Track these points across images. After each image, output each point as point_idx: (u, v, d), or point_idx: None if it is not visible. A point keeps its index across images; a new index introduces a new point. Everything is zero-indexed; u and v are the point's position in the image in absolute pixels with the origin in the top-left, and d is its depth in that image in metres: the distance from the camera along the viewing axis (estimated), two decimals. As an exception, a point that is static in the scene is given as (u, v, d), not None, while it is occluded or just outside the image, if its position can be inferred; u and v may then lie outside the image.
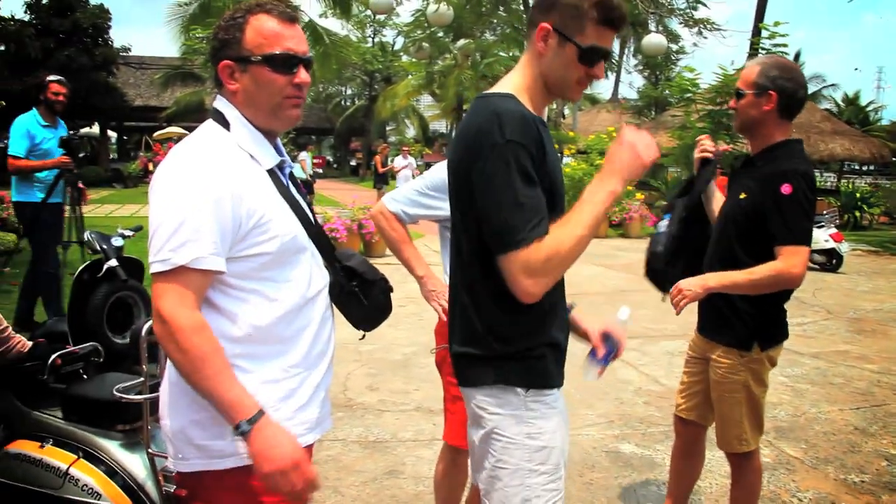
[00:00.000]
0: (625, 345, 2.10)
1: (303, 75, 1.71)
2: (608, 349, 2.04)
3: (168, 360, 1.65)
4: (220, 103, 1.73)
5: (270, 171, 1.71)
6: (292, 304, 1.70)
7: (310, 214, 1.81)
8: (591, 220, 1.66)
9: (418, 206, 2.74)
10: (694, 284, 2.62)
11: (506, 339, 1.79)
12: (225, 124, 1.70)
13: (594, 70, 1.80)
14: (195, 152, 1.63)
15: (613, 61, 32.52)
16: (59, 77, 6.01)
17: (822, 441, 4.44)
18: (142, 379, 2.23)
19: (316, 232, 1.82)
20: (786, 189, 2.54)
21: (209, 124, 1.72)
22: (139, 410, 2.28)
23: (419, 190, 2.74)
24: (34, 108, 5.84)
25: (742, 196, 2.68)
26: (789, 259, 2.54)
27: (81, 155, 36.82)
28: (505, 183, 1.64)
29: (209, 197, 1.55)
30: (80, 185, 6.12)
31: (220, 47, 1.69)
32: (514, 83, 1.85)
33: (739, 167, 2.85)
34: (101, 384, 2.49)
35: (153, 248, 1.55)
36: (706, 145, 2.97)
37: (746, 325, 2.72)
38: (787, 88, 2.62)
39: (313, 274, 1.78)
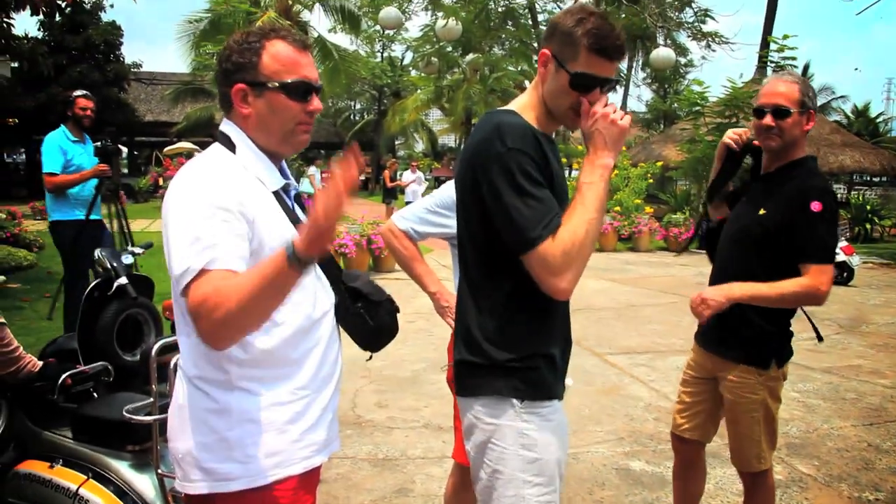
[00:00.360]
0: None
1: (316, 103, 1.73)
2: None
3: (176, 382, 1.66)
4: (227, 126, 1.74)
5: (276, 194, 1.72)
6: (298, 326, 1.70)
7: None
8: (596, 202, 1.73)
9: (428, 223, 2.75)
10: (719, 294, 2.56)
11: (500, 348, 1.83)
12: (231, 147, 1.71)
13: (590, 97, 1.82)
14: (205, 171, 1.64)
15: (622, 75, 32.58)
16: (84, 92, 6.01)
17: (835, 458, 4.40)
18: (151, 399, 2.23)
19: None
20: (816, 206, 2.53)
21: (215, 147, 1.73)
22: (149, 431, 2.29)
23: (428, 208, 2.76)
24: (62, 125, 5.84)
25: (761, 212, 2.65)
26: (818, 277, 2.54)
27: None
28: (511, 187, 1.71)
29: (219, 209, 1.55)
30: (121, 192, 6.17)
31: (235, 70, 1.68)
32: (520, 102, 1.93)
33: (749, 181, 2.83)
34: (110, 404, 2.50)
35: (175, 267, 1.51)
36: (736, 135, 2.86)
37: (765, 343, 2.70)
38: (816, 108, 2.69)
39: (318, 295, 1.78)
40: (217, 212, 1.54)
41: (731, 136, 2.83)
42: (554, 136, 1.97)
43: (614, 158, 1.79)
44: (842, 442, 4.67)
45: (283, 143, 1.74)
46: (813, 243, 2.55)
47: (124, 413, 2.23)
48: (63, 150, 5.70)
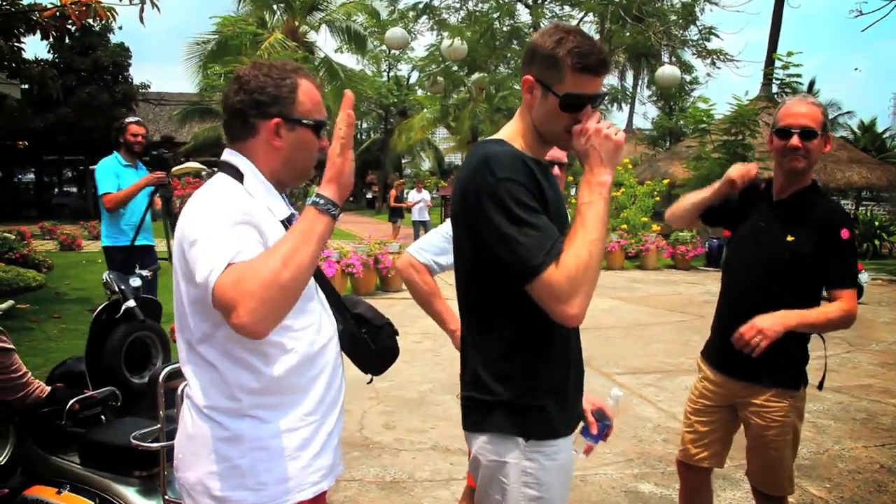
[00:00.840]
0: (614, 425, 2.14)
1: (325, 140, 1.78)
2: (601, 426, 2.07)
3: (183, 412, 1.67)
4: (232, 157, 1.77)
5: (282, 223, 1.74)
6: (305, 353, 1.72)
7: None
8: (597, 222, 1.68)
9: (448, 253, 2.64)
10: (774, 324, 2.53)
11: (504, 385, 1.82)
12: (237, 176, 1.73)
13: (581, 116, 1.79)
14: (221, 194, 1.67)
15: (627, 93, 32.71)
16: (137, 118, 6.15)
17: (847, 480, 4.36)
18: (159, 426, 2.24)
19: (322, 280, 1.88)
20: (845, 234, 2.62)
21: (222, 177, 1.75)
22: (156, 457, 2.28)
23: (446, 237, 2.67)
24: (115, 152, 5.92)
25: (790, 238, 2.67)
26: (851, 301, 2.62)
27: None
28: (507, 218, 1.66)
29: (239, 223, 1.58)
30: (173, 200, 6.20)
31: (272, 103, 1.72)
32: (509, 130, 1.90)
33: (764, 206, 2.80)
34: (118, 430, 2.50)
35: (202, 266, 1.51)
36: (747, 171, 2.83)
37: (796, 365, 2.72)
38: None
39: (322, 321, 1.80)
40: (237, 226, 1.57)
41: (739, 171, 2.81)
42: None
43: (612, 175, 1.74)
44: (853, 463, 4.63)
45: (299, 176, 1.82)
46: (846, 270, 2.64)
47: (131, 440, 2.23)
48: (116, 174, 5.77)
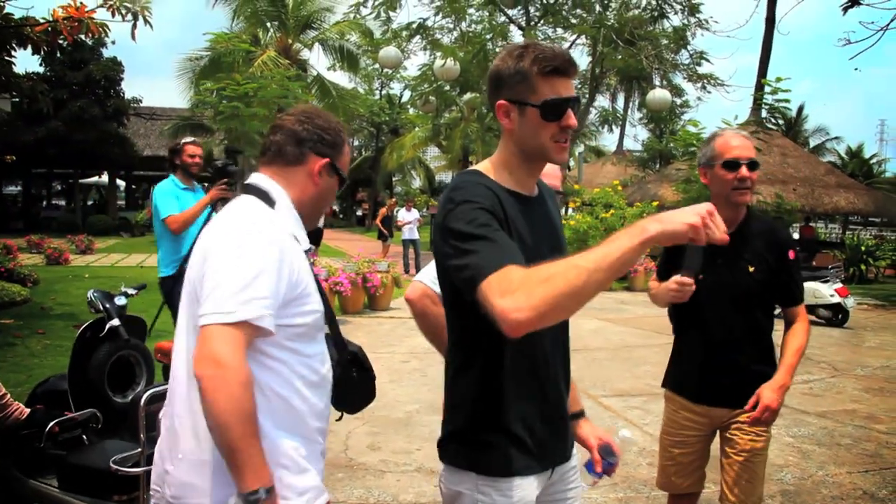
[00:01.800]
0: (619, 462, 2.12)
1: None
2: (606, 463, 2.08)
3: (187, 440, 1.68)
4: (264, 181, 1.84)
5: (304, 252, 1.82)
6: (312, 380, 1.79)
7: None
8: (598, 257, 1.43)
9: None
10: (779, 396, 2.66)
11: (458, 418, 1.85)
12: (268, 202, 1.79)
13: (564, 121, 1.76)
14: (257, 216, 1.74)
15: (618, 115, 32.91)
16: (193, 139, 5.82)
17: (832, 506, 4.36)
18: (139, 450, 2.22)
19: (331, 315, 1.96)
20: (792, 255, 2.77)
21: (252, 200, 1.80)
22: (136, 481, 2.27)
23: None
24: (171, 175, 5.59)
25: (751, 269, 2.73)
26: (804, 314, 2.85)
27: (90, 202, 36.83)
28: (466, 236, 1.60)
29: (274, 258, 1.66)
30: None
31: (330, 144, 1.89)
32: (486, 162, 1.88)
33: (736, 237, 2.77)
34: (98, 453, 2.48)
35: (217, 298, 1.58)
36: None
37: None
38: None
39: (326, 353, 1.88)
40: (276, 270, 1.66)
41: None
42: None
43: (658, 228, 1.44)
44: (837, 489, 4.63)
45: (314, 218, 1.96)
46: (798, 287, 2.85)
47: (111, 464, 2.21)
48: (176, 197, 5.44)
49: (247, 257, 1.62)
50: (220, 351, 1.53)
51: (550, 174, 2.51)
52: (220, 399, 1.51)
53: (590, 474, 2.10)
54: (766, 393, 2.64)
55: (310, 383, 1.77)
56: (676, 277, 2.53)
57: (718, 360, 2.79)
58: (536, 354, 1.83)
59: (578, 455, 2.09)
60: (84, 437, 2.74)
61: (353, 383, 2.02)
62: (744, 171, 2.67)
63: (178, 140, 5.85)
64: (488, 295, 1.46)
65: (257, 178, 1.84)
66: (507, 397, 1.80)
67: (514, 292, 1.42)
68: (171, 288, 5.29)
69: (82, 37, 7.39)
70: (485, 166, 1.86)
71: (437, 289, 2.47)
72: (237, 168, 5.61)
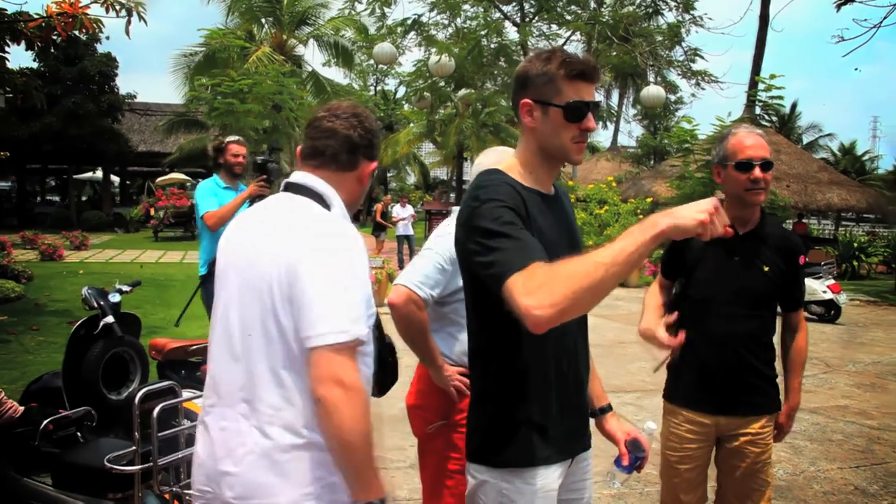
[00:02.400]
0: (648, 456, 2.15)
1: None
2: (633, 457, 2.09)
3: (255, 438, 1.70)
4: (317, 183, 1.84)
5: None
6: (367, 377, 1.82)
7: None
8: (615, 252, 1.49)
9: (442, 284, 2.56)
10: (792, 416, 2.83)
11: (480, 410, 1.93)
12: (325, 206, 1.81)
13: (584, 124, 1.86)
14: (335, 225, 1.76)
15: (613, 111, 32.95)
16: (237, 138, 5.72)
17: (822, 502, 4.40)
18: (134, 448, 2.23)
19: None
20: (802, 260, 2.79)
21: (309, 203, 1.80)
22: (131, 479, 2.27)
23: (440, 266, 2.56)
24: (214, 174, 5.54)
25: (766, 269, 2.71)
26: (804, 321, 2.92)
27: (84, 198, 36.72)
28: (492, 233, 1.67)
29: (363, 270, 1.72)
30: None
31: (376, 150, 1.93)
32: (509, 161, 1.95)
33: (732, 240, 2.76)
34: (93, 451, 2.49)
35: (330, 319, 1.61)
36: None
37: (777, 388, 2.82)
38: None
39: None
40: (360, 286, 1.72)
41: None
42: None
43: (669, 222, 1.51)
44: (828, 485, 4.67)
45: (351, 213, 1.94)
46: (801, 292, 2.87)
47: (106, 462, 2.22)
48: (215, 195, 5.36)
49: (345, 273, 1.67)
50: (342, 372, 1.58)
51: None
52: (346, 420, 1.56)
53: (619, 470, 2.11)
54: (787, 421, 2.83)
55: (366, 382, 1.80)
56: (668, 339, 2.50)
57: (728, 365, 2.70)
58: (557, 346, 1.90)
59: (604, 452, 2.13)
60: (78, 434, 2.74)
61: (392, 369, 2.17)
62: (757, 172, 2.61)
63: (221, 139, 5.76)
64: (514, 292, 1.54)
65: (309, 180, 1.83)
66: (529, 390, 1.88)
67: (538, 290, 1.49)
68: (206, 286, 5.25)
69: (76, 32, 7.37)
70: (506, 165, 1.93)
71: (422, 293, 2.51)
72: (277, 165, 5.54)
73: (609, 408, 2.21)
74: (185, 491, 2.19)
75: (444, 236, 2.54)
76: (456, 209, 2.30)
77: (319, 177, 1.83)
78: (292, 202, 1.80)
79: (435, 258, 2.58)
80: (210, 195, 5.37)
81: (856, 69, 25.15)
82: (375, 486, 1.62)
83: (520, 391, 1.87)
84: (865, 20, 15.44)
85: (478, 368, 1.96)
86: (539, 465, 1.89)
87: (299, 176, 1.84)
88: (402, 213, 18.16)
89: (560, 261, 1.53)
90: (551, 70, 1.82)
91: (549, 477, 1.91)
